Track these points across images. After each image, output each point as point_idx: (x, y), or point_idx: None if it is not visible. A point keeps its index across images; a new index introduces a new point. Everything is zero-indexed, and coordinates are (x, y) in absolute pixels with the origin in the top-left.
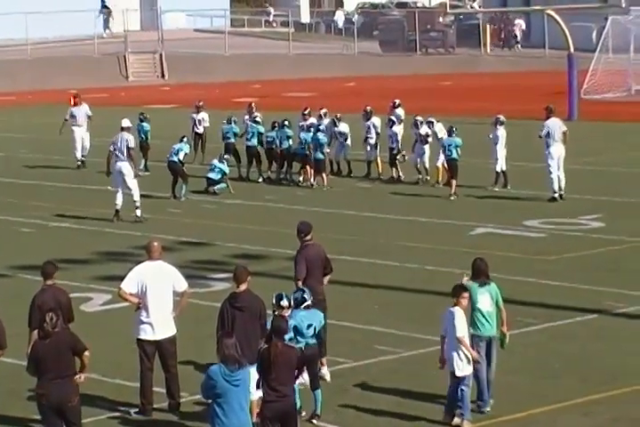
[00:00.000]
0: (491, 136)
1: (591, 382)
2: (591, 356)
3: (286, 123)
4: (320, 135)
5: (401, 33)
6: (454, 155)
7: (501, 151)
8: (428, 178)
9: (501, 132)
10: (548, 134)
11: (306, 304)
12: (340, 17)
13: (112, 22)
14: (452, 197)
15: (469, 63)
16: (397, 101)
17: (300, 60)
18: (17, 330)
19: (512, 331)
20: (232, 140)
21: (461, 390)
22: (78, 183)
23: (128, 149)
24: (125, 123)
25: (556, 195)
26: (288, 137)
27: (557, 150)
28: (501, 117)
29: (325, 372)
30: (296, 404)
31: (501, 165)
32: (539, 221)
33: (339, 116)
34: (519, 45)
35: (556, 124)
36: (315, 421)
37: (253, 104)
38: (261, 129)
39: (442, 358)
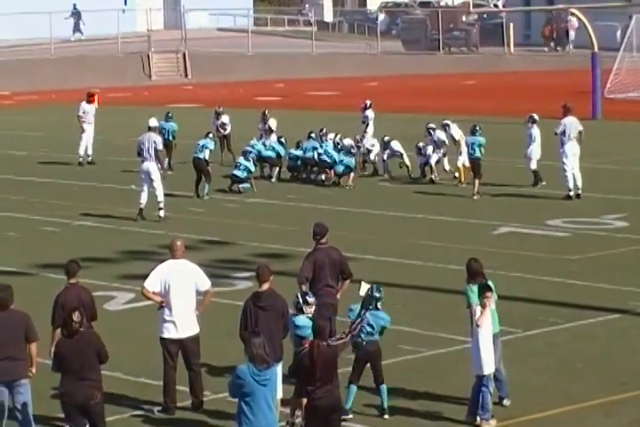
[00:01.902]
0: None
1: (615, 382)
2: (615, 356)
3: (312, 135)
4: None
5: (424, 32)
6: (477, 153)
7: (536, 150)
8: (435, 176)
9: (535, 130)
10: (563, 132)
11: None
12: (382, 19)
13: (82, 26)
14: (476, 197)
15: (493, 62)
16: (368, 102)
17: (323, 59)
18: (40, 329)
19: (536, 330)
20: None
21: (481, 390)
22: (101, 182)
23: (156, 150)
24: (153, 122)
25: (572, 193)
26: (314, 148)
27: (572, 149)
28: (535, 116)
29: None
30: (340, 398)
31: (534, 164)
32: (562, 220)
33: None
34: (571, 45)
35: (572, 123)
36: (386, 416)
37: (267, 111)
38: (282, 151)
39: None
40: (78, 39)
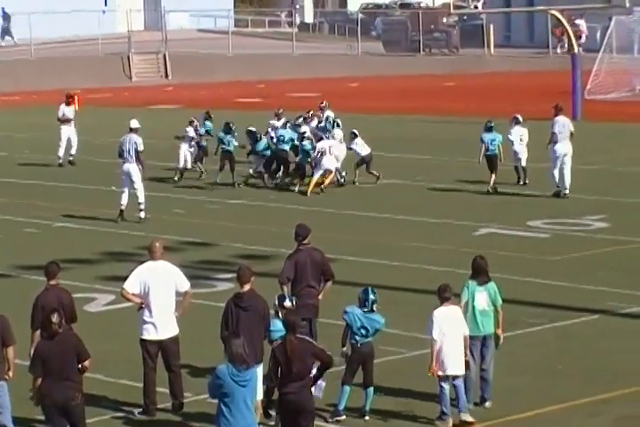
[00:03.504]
0: (509, 136)
1: (597, 381)
2: (596, 356)
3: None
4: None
5: (404, 33)
6: (497, 150)
7: (522, 149)
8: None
9: (516, 130)
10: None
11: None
12: (379, 24)
13: (13, 30)
14: (490, 190)
15: (473, 63)
16: (325, 103)
17: (304, 60)
18: (20, 330)
19: (517, 331)
20: (286, 147)
21: (457, 386)
22: (82, 183)
23: (137, 151)
24: (134, 124)
25: (559, 189)
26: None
27: (564, 148)
28: (519, 116)
29: None
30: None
31: (521, 161)
32: (542, 221)
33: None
34: (581, 48)
35: (565, 122)
36: (367, 417)
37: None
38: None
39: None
40: (11, 44)
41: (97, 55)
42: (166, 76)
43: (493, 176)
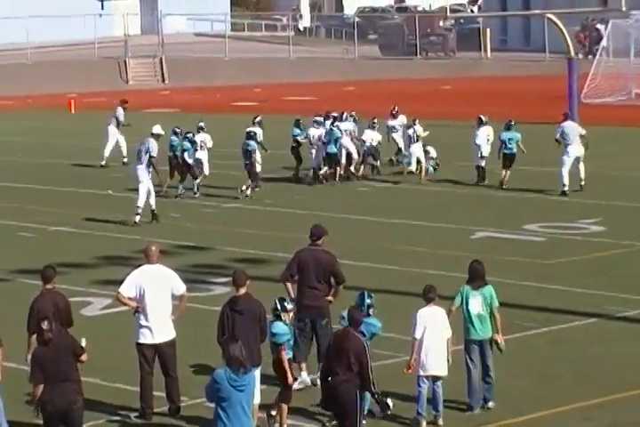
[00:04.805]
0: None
1: (591, 386)
2: (591, 360)
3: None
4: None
5: (401, 37)
6: (515, 149)
7: (484, 148)
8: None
9: (482, 131)
10: (565, 137)
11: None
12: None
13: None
14: (505, 186)
15: (469, 67)
16: (397, 108)
17: (301, 64)
18: (17, 334)
19: (512, 335)
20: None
21: (436, 388)
22: (77, 187)
23: (150, 156)
24: (156, 129)
25: (566, 188)
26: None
27: (575, 150)
28: (483, 117)
29: (305, 377)
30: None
31: (482, 161)
32: (538, 224)
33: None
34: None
35: (572, 127)
36: (364, 421)
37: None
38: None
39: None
40: None
41: (93, 59)
42: (163, 80)
43: (508, 173)
